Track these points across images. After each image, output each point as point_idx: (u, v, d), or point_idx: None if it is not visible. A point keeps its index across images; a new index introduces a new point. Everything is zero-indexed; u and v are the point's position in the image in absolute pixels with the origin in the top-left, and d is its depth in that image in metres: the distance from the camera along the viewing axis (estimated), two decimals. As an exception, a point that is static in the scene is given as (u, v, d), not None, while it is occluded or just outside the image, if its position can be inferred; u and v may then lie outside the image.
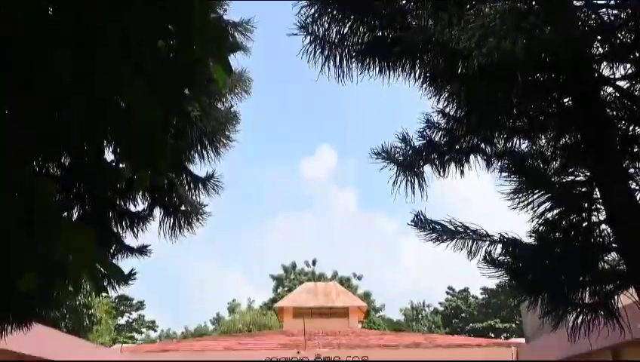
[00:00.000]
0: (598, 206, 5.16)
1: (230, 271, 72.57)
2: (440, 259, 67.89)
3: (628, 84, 5.08)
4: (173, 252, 70.89)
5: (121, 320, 45.48)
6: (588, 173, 5.21)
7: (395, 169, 5.94)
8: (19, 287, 3.83)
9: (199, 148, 6.15)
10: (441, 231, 5.31)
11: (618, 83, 5.08)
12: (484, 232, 5.26)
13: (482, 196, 58.76)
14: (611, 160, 4.89)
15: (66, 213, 5.07)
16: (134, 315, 47.33)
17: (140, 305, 46.85)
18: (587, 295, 5.30)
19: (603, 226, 5.21)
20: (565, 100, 5.30)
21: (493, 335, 40.79)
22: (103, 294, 28.24)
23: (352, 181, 75.37)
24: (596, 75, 5.10)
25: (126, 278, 6.17)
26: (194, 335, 40.52)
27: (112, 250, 6.33)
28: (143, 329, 47.79)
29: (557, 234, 5.37)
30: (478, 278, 64.66)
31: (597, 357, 13.72)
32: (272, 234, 71.61)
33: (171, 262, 71.05)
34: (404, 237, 71.35)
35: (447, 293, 49.08)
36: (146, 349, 21.54)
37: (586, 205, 5.16)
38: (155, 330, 48.38)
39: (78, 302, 21.34)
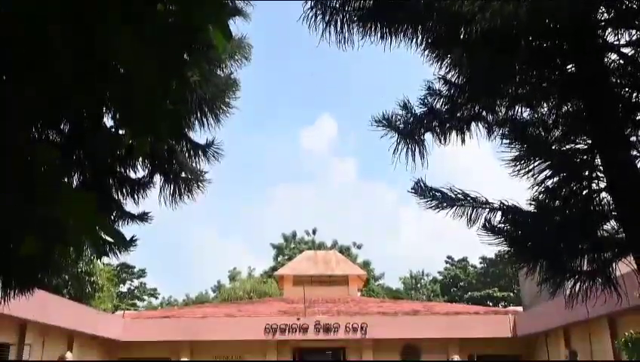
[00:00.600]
0: (599, 174, 5.15)
1: (230, 239, 73.14)
2: (439, 228, 68.29)
3: (632, 51, 5.02)
4: (174, 221, 71.25)
5: (123, 288, 45.96)
6: (589, 141, 5.18)
7: (396, 137, 5.91)
8: (19, 251, 3.85)
9: (199, 115, 6.10)
10: (441, 199, 5.31)
11: (622, 50, 5.02)
12: (484, 200, 5.26)
13: (482, 167, 58.80)
14: (613, 128, 4.86)
15: (65, 179, 5.07)
16: (136, 283, 47.84)
17: (142, 273, 47.29)
18: (585, 262, 5.33)
19: (603, 194, 5.21)
20: (568, 67, 5.24)
21: (491, 304, 41.25)
22: (105, 261, 28.45)
23: (352, 151, 75.28)
24: (600, 41, 5.03)
25: (127, 244, 6.19)
26: (195, 303, 40.98)
27: (112, 217, 6.33)
28: (145, 297, 48.33)
29: (557, 202, 5.37)
30: (477, 248, 65.11)
31: (594, 324, 13.89)
32: (272, 202, 71.91)
33: (172, 232, 71.54)
34: (404, 207, 71.67)
35: (447, 262, 49.49)
36: (147, 315, 21.82)
37: (587, 173, 5.15)
38: (157, 298, 48.97)
39: (79, 269, 21.50)
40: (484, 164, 56.91)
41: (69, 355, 14.99)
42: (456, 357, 17.82)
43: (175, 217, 77.20)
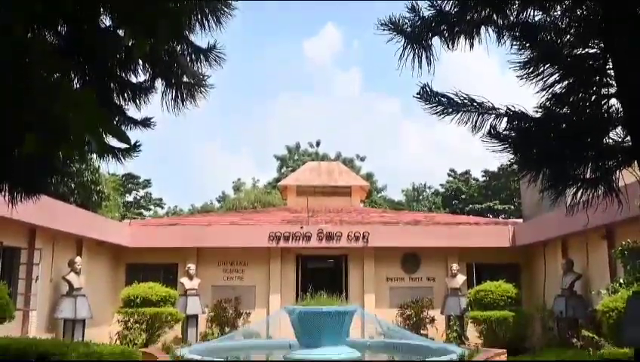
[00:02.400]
0: (609, 80, 5.04)
1: (233, 150, 73.41)
2: (443, 141, 68.15)
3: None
4: (177, 133, 71.24)
5: (129, 198, 46.63)
6: (602, 45, 5.02)
7: (403, 41, 5.73)
8: (22, 150, 3.84)
9: (199, 16, 5.89)
10: (446, 104, 5.22)
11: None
12: (491, 105, 5.17)
13: (489, 80, 57.91)
14: (628, 31, 4.69)
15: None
16: (141, 193, 48.44)
17: (147, 183, 47.80)
18: (589, 170, 5.33)
19: (612, 101, 5.12)
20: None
21: (491, 216, 41.87)
22: (110, 171, 28.66)
23: (356, 62, 73.87)
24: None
25: (131, 148, 6.19)
26: (200, 212, 41.68)
27: (115, 122, 6.29)
28: (151, 206, 49.11)
29: (564, 108, 5.29)
30: (479, 161, 65.31)
31: (591, 235, 14.14)
32: (274, 113, 71.60)
33: (175, 144, 71.67)
34: (407, 119, 71.34)
35: (449, 175, 49.75)
36: (154, 223, 22.27)
37: (597, 78, 5.03)
38: (163, 207, 49.74)
39: (85, 178, 21.74)
40: (491, 77, 55.98)
41: (78, 260, 15.44)
42: (455, 266, 18.29)
43: (178, 130, 77.20)
